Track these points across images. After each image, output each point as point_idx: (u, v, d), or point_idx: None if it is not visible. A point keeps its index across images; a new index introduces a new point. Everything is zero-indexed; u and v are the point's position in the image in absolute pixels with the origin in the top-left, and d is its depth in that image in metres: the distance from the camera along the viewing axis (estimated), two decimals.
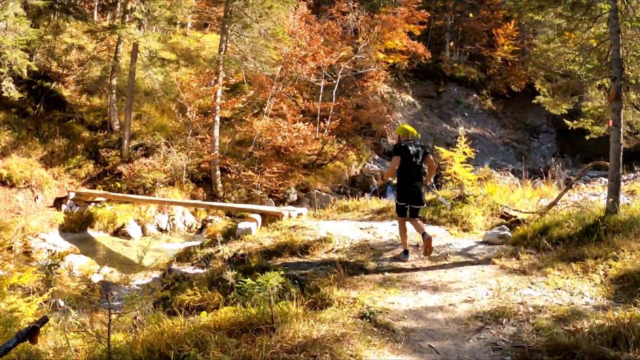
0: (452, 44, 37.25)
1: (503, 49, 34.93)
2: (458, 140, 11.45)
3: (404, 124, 7.71)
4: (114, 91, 19.04)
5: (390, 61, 30.79)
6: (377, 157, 26.94)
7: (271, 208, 11.49)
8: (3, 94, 17.21)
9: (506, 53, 34.88)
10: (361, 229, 9.28)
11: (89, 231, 15.31)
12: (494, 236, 8.23)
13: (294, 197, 19.46)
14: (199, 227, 16.42)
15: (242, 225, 9.81)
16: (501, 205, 9.81)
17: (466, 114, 34.81)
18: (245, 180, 17.83)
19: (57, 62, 20.29)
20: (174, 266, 9.20)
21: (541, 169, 23.00)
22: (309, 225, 9.56)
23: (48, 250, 13.52)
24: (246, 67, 18.92)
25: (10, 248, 12.63)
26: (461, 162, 10.96)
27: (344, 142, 23.66)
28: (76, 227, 15.39)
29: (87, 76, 19.87)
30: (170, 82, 17.90)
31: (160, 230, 15.79)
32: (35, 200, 16.87)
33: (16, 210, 16.45)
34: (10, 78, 17.28)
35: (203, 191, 17.83)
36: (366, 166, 25.09)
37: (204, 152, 17.72)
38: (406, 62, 32.18)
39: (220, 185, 17.95)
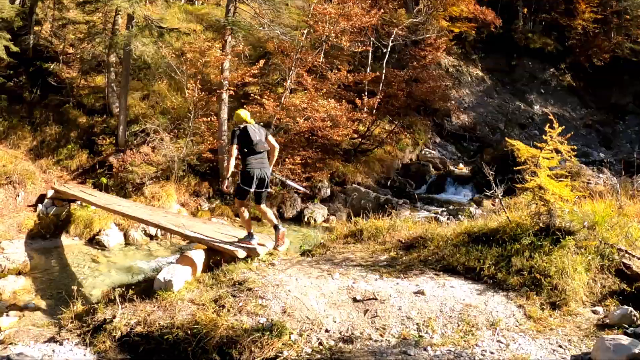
0: (525, 10, 31.46)
1: (583, 17, 29.00)
2: (547, 129, 6.25)
3: (238, 110, 6.93)
4: (112, 69, 16.08)
5: (456, 30, 26.11)
6: (438, 140, 22.43)
7: (222, 241, 6.92)
8: None
9: (587, 22, 28.91)
10: (356, 300, 5.46)
11: (63, 237, 12.39)
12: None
13: (326, 192, 15.66)
14: None
15: (166, 272, 6.15)
16: (618, 250, 5.52)
17: (542, 90, 29.33)
18: None
19: (51, 41, 17.59)
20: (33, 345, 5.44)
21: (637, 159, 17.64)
22: (267, 282, 5.86)
23: (10, 263, 10.67)
24: (260, 32, 15.23)
25: None
26: (551, 169, 6.19)
27: (396, 123, 19.42)
28: (48, 233, 12.53)
29: (86, 54, 17.02)
30: (174, 54, 14.50)
31: (149, 236, 12.56)
32: (15, 199, 14.25)
33: None
34: None
35: (209, 186, 14.44)
36: (423, 152, 20.73)
37: (209, 138, 14.27)
38: (473, 32, 27.31)
39: (229, 179, 14.41)
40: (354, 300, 5.36)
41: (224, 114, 14.39)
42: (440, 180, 18.83)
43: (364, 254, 6.73)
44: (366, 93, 17.93)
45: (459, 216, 12.38)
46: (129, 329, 5.25)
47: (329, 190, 15.71)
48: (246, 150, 6.49)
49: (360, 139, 17.79)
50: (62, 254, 11.55)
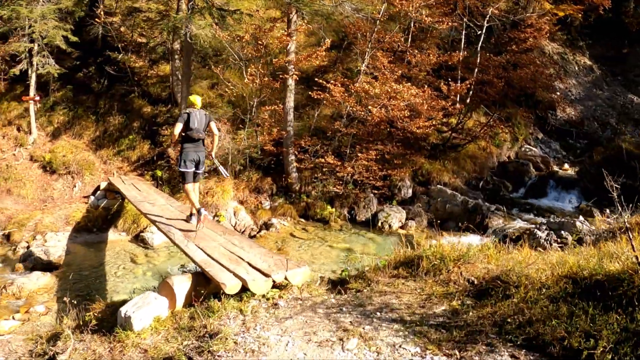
0: None
1: None
2: None
3: (193, 95, 7.18)
4: (176, 57, 14.99)
5: (560, 13, 22.71)
6: (540, 136, 19.39)
7: (219, 265, 5.24)
8: (38, 71, 14.24)
9: None
10: None
11: (110, 232, 11.38)
12: None
13: (407, 192, 13.54)
14: (257, 231, 11.48)
15: (131, 306, 4.53)
16: None
17: None
18: (326, 169, 12.40)
19: (120, 31, 16.88)
20: None
21: None
22: (243, 344, 3.85)
23: (34, 258, 9.74)
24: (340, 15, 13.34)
25: None
26: None
27: (492, 115, 16.77)
28: (95, 226, 11.57)
29: (152, 42, 16.14)
30: (236, 37, 12.98)
31: None
32: (72, 189, 13.54)
33: (48, 201, 13.26)
34: (46, 52, 14.21)
35: (272, 182, 12.83)
36: (523, 149, 17.86)
37: (273, 129, 12.64)
38: (580, 15, 23.74)
39: (295, 174, 12.78)
40: None
41: (290, 102, 12.72)
42: (541, 183, 15.96)
43: (414, 298, 4.48)
44: (459, 79, 15.45)
45: (562, 233, 9.83)
46: None
47: (410, 191, 13.56)
48: (184, 135, 6.83)
49: (450, 133, 15.40)
50: (102, 250, 10.46)
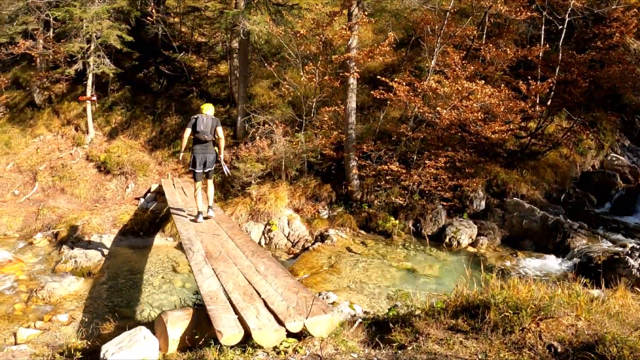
0: None
1: None
2: None
3: (205, 103, 7.87)
4: (234, 55, 14.40)
5: None
6: (627, 143, 17.36)
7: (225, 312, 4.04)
8: (93, 71, 14.06)
9: None
10: None
11: (157, 236, 10.91)
12: None
13: (479, 204, 12.22)
14: (311, 242, 10.60)
15: (113, 345, 3.75)
16: None
17: None
18: (390, 177, 11.34)
19: (180, 30, 16.55)
20: None
21: None
22: None
23: (76, 260, 9.35)
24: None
25: None
26: None
27: (575, 119, 15.05)
28: (142, 230, 11.11)
29: (212, 41, 15.69)
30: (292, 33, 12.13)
31: None
32: (125, 190, 13.22)
33: (100, 201, 13.00)
34: (102, 52, 13.99)
35: (331, 190, 11.91)
36: (609, 157, 15.98)
37: (333, 132, 11.73)
38: None
39: (356, 182, 11.79)
40: None
41: (351, 103, 11.75)
42: (629, 197, 14.06)
43: None
44: (539, 78, 13.92)
45: None
46: None
47: (482, 203, 12.23)
48: (193, 137, 7.42)
49: (529, 138, 13.89)
50: (145, 255, 9.93)
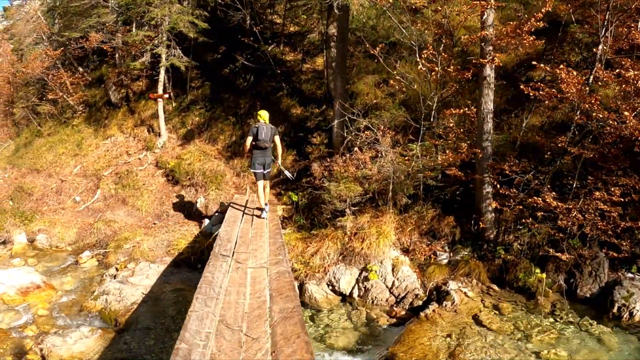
0: None
1: None
2: None
3: (262, 110, 8.03)
4: (332, 44, 11.57)
5: None
6: None
7: None
8: (160, 64, 11.89)
9: None
10: None
11: None
12: None
13: None
14: (423, 299, 7.36)
15: None
16: None
17: None
18: (540, 212, 7.75)
19: (271, 20, 14.11)
20: None
21: None
22: None
23: (107, 298, 6.92)
24: None
25: None
26: None
27: None
28: (200, 262, 8.49)
29: (306, 28, 13.05)
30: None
31: (341, 295, 7.44)
32: (192, 205, 10.83)
33: (163, 217, 10.73)
34: (170, 42, 11.79)
35: (454, 223, 8.54)
36: None
37: (462, 143, 8.35)
38: None
39: (490, 215, 8.35)
40: None
41: (488, 103, 8.32)
42: None
43: None
44: None
45: None
46: None
47: None
48: (253, 144, 7.83)
49: None
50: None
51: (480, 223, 8.43)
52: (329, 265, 7.67)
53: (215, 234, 8.74)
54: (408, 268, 7.93)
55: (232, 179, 11.41)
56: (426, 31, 8.81)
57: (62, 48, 15.08)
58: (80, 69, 16.22)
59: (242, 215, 7.84)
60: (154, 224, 10.29)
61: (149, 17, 10.67)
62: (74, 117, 15.25)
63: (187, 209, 10.75)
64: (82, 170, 12.91)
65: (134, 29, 11.59)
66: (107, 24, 12.85)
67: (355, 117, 9.44)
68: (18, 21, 18.90)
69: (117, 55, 14.53)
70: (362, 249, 7.61)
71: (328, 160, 9.70)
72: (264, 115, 7.81)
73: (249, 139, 7.70)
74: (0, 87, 17.86)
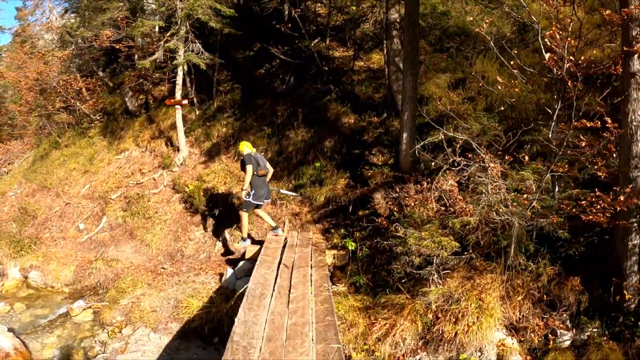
0: None
1: None
2: None
3: (242, 142, 7.87)
4: (394, 32, 8.98)
5: None
6: None
7: None
8: (174, 62, 9.56)
9: None
10: None
11: None
12: None
13: None
14: None
15: None
16: None
17: None
18: None
19: (314, 11, 11.72)
20: None
21: None
22: None
23: None
24: None
25: None
26: None
27: None
28: (217, 333, 6.17)
29: (358, 14, 10.52)
30: None
31: None
32: (214, 244, 8.46)
33: (176, 257, 8.43)
34: (187, 35, 9.45)
35: (579, 287, 5.76)
36: None
37: (597, 168, 5.58)
38: None
39: (636, 277, 5.54)
40: None
41: (638, 112, 5.56)
42: None
43: None
44: None
45: None
46: None
47: None
48: (255, 174, 7.40)
49: None
50: None
51: (624, 288, 5.65)
52: (403, 355, 5.08)
53: (240, 291, 6.29)
54: (519, 358, 5.26)
55: (265, 208, 8.99)
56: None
57: (73, 49, 13.14)
58: (100, 73, 14.28)
59: (275, 280, 5.24)
60: (164, 268, 7.94)
61: (158, 3, 8.42)
62: (90, 127, 13.29)
63: (207, 249, 8.37)
64: (91, 190, 10.81)
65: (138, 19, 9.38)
66: (118, 19, 10.73)
67: (436, 129, 6.72)
68: (33, 22, 17.29)
69: (135, 56, 12.43)
70: (455, 333, 4.99)
71: (396, 189, 7.09)
72: (249, 144, 7.72)
73: (251, 169, 7.29)
74: (24, 94, 16.26)
